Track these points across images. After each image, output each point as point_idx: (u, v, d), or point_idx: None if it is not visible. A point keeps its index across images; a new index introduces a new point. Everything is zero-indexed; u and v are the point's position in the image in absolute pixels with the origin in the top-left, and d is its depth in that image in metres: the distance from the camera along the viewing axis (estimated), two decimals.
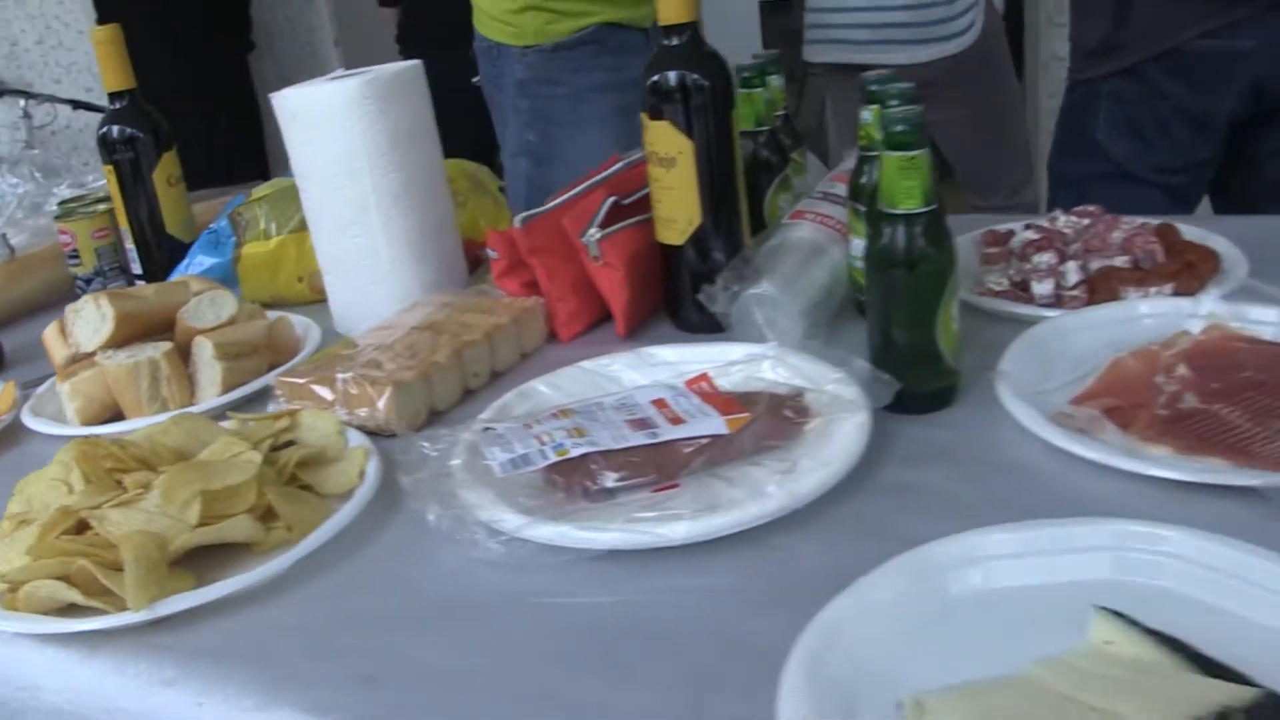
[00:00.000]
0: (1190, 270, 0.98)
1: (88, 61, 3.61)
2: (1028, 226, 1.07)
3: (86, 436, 0.92)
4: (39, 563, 0.76)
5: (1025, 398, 0.79)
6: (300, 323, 1.22)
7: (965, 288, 1.01)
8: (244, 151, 3.38)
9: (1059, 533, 0.64)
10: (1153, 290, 0.95)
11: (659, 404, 0.82)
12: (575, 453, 0.76)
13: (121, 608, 0.72)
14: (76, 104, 3.69)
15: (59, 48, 3.68)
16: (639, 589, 0.69)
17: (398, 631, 0.69)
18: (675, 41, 0.99)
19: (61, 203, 1.53)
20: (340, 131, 1.13)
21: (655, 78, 0.98)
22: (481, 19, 1.78)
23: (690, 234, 1.02)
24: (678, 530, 0.69)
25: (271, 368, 1.12)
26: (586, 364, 0.96)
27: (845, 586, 0.62)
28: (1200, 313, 0.89)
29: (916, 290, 0.81)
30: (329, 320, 1.23)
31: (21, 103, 4.33)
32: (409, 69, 1.17)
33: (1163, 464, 0.71)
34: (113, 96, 1.35)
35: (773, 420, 0.79)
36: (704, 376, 0.86)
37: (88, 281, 1.45)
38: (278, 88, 1.17)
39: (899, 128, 0.78)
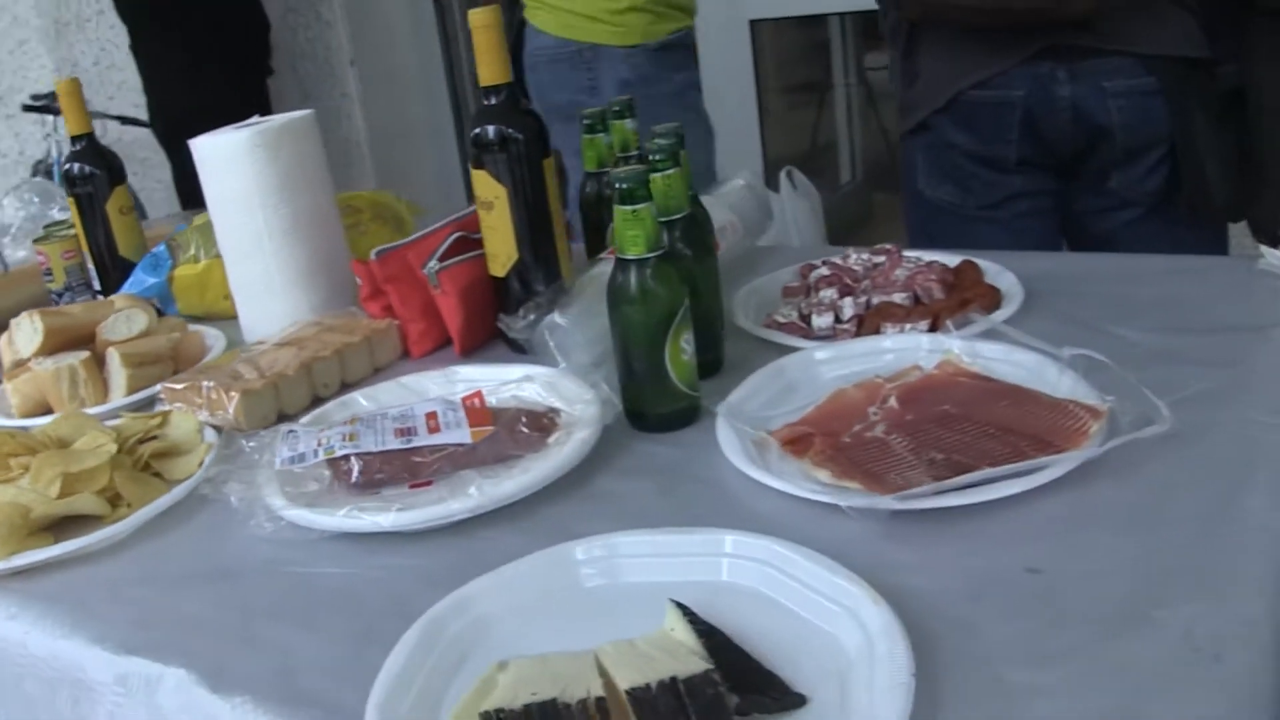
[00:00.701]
0: (963, 307, 1.11)
1: (135, 81, 3.89)
2: (824, 263, 1.22)
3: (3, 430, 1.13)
4: None
5: (743, 421, 0.94)
6: (213, 336, 1.41)
7: (758, 318, 1.16)
8: None
9: (685, 539, 0.79)
10: (908, 326, 1.07)
11: (430, 416, 0.99)
12: (340, 453, 0.94)
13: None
14: (125, 120, 4.01)
15: (111, 68, 3.97)
16: (358, 565, 0.86)
17: (177, 588, 0.88)
18: (494, 100, 1.15)
19: (46, 226, 1.75)
20: (237, 174, 1.32)
21: (476, 131, 1.15)
22: (571, 22, 1.88)
23: (510, 267, 1.19)
24: (386, 519, 0.85)
25: (176, 373, 1.31)
26: (405, 379, 1.13)
27: None
28: (939, 349, 1.01)
29: (645, 325, 0.96)
30: (240, 334, 1.42)
31: None
32: (300, 119, 1.35)
33: (791, 483, 0.83)
34: (74, 139, 1.57)
35: (510, 433, 0.95)
36: (478, 394, 1.02)
37: (59, 295, 1.67)
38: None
39: (624, 185, 0.93)
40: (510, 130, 1.15)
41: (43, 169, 5.13)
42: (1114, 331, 1.04)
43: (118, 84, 3.96)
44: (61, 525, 0.98)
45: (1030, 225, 1.56)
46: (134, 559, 0.93)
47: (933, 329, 1.07)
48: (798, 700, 0.63)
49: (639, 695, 0.63)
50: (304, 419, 1.08)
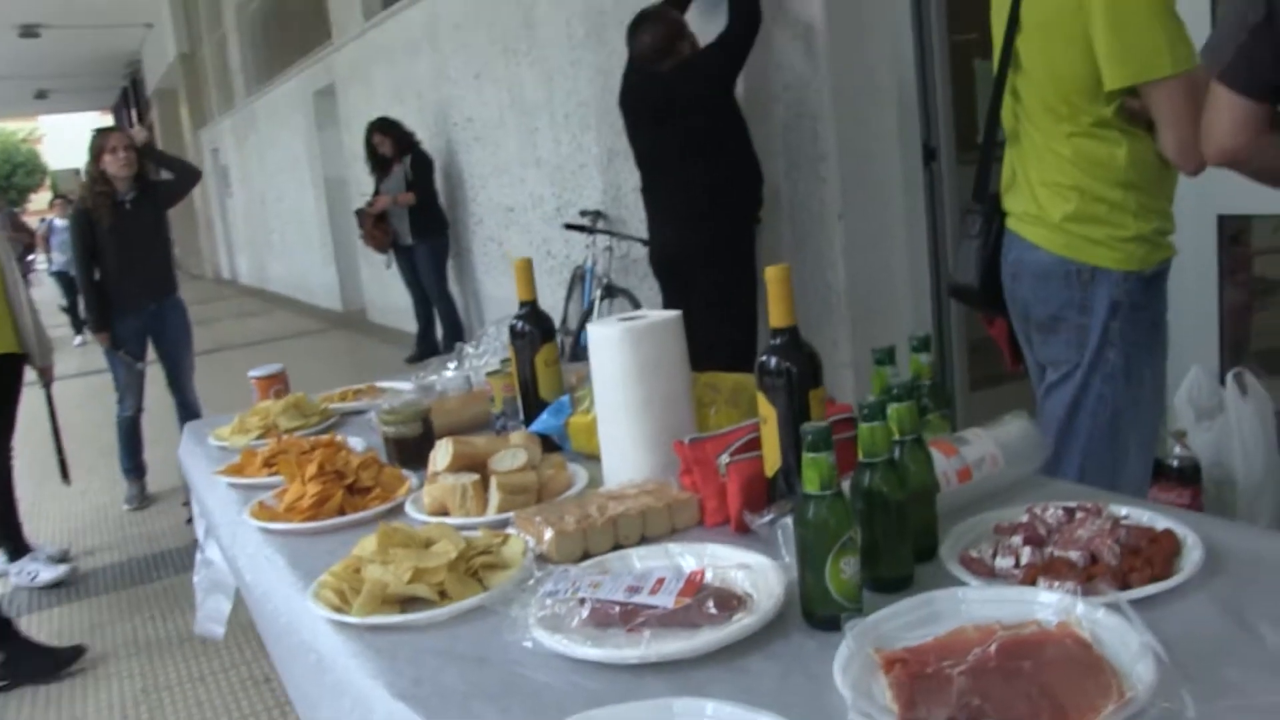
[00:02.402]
0: (1126, 574, 1.29)
1: None
2: (1027, 510, 1.45)
3: (406, 524, 1.67)
4: (333, 581, 1.50)
5: (873, 639, 1.22)
6: (581, 475, 1.90)
7: (957, 550, 1.42)
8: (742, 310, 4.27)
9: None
10: (1057, 584, 1.29)
11: (659, 580, 1.37)
12: (581, 595, 1.35)
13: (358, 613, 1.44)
14: (643, 242, 4.84)
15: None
16: (556, 675, 1.26)
17: (452, 664, 1.32)
18: (779, 341, 1.52)
19: (502, 361, 2.36)
20: (611, 357, 1.80)
21: (761, 359, 1.53)
22: (1075, 243, 2.14)
23: (776, 470, 1.54)
24: (576, 649, 1.25)
25: (539, 501, 1.80)
26: (672, 545, 1.53)
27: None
28: (1064, 610, 1.20)
29: (812, 545, 1.27)
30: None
31: (610, 239, 5.68)
32: (667, 320, 1.80)
33: (859, 693, 1.11)
34: (521, 304, 2.14)
35: (700, 608, 1.31)
36: (701, 570, 1.39)
37: (498, 417, 2.25)
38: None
39: (810, 436, 1.27)
40: (787, 364, 1.52)
41: (579, 274, 6.17)
42: (1258, 628, 1.17)
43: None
44: (411, 602, 1.48)
45: None
46: (441, 636, 1.40)
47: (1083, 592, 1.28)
48: None
49: None
50: (586, 563, 1.51)
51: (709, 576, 1.39)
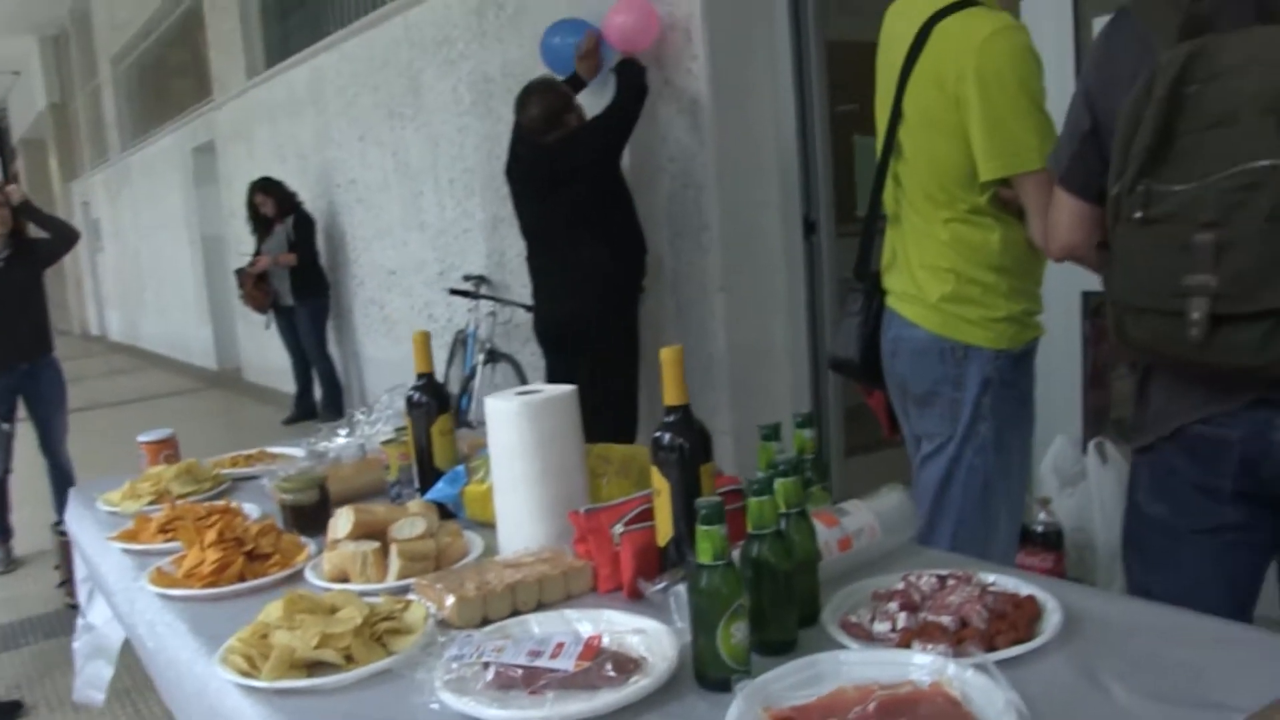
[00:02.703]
0: (994, 637, 1.42)
1: None
2: (903, 577, 1.57)
3: (309, 590, 1.72)
4: (241, 646, 1.55)
5: (761, 699, 1.31)
6: (477, 543, 1.97)
7: (838, 615, 1.54)
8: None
9: None
10: (930, 647, 1.41)
11: (559, 644, 1.45)
12: (485, 659, 1.42)
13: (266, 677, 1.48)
14: (527, 308, 4.92)
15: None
16: None
17: None
18: (672, 418, 1.63)
19: (397, 429, 2.42)
20: (509, 430, 1.88)
21: (655, 435, 1.63)
22: (951, 322, 2.30)
23: (668, 540, 1.64)
24: (477, 710, 1.32)
25: (437, 569, 1.87)
26: (569, 612, 1.61)
27: None
28: (937, 671, 1.32)
29: (704, 611, 1.37)
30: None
31: (493, 305, 5.74)
32: (561, 395, 1.90)
33: None
34: (419, 375, 2.22)
35: (599, 671, 1.39)
36: (599, 635, 1.47)
37: (393, 485, 2.31)
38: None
39: (704, 510, 1.37)
40: (680, 440, 1.62)
41: (461, 339, 6.22)
42: (1109, 687, 1.31)
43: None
44: (318, 666, 1.53)
45: (1237, 555, 1.80)
46: (348, 700, 1.45)
47: (954, 654, 1.40)
48: None
49: None
50: (487, 629, 1.58)
51: (606, 641, 1.48)
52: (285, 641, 1.53)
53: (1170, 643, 1.41)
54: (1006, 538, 2.40)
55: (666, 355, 1.63)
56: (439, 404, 2.22)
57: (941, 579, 1.56)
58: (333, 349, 8.53)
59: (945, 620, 1.46)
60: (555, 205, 4.43)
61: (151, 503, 2.51)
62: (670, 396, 1.64)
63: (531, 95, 4.42)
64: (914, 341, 2.36)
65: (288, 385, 9.01)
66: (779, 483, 1.51)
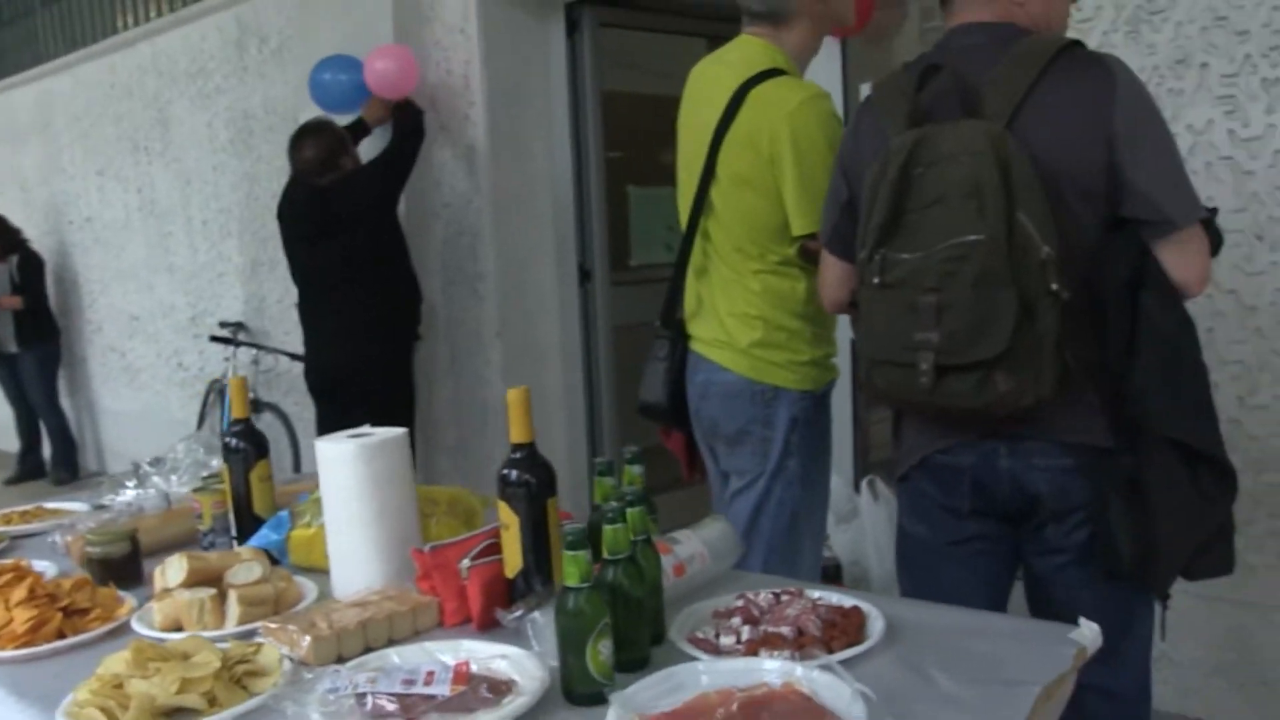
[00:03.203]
0: (829, 642, 1.61)
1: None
2: (740, 595, 1.74)
3: (149, 640, 1.73)
4: (93, 699, 1.55)
5: (631, 708, 1.44)
6: (310, 588, 2.01)
7: (683, 632, 1.68)
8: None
9: None
10: (776, 653, 1.58)
11: (430, 673, 1.53)
12: (360, 690, 1.49)
13: None
14: (294, 356, 4.87)
15: (293, 307, 4.79)
16: None
17: None
18: (519, 455, 1.75)
19: (204, 477, 2.42)
20: (343, 472, 1.94)
21: (503, 472, 1.74)
22: (760, 366, 2.52)
23: (517, 572, 1.75)
24: None
25: (276, 613, 1.90)
26: (429, 644, 1.69)
27: None
28: (787, 673, 1.50)
29: (572, 631, 1.49)
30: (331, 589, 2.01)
31: (254, 353, 5.65)
32: (395, 437, 1.98)
33: None
34: (234, 421, 2.24)
35: (475, 694, 1.49)
36: (466, 662, 1.57)
37: (205, 535, 2.31)
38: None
39: (570, 537, 1.49)
40: (527, 476, 1.74)
41: (217, 387, 6.07)
42: (934, 676, 1.52)
43: (294, 321, 4.80)
44: (175, 713, 1.56)
45: (985, 562, 2.10)
46: None
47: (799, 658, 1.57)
48: None
49: None
50: (351, 663, 1.65)
51: (474, 667, 1.57)
52: (144, 689, 1.55)
53: (973, 637, 1.65)
54: (811, 563, 2.64)
55: (513, 396, 1.74)
56: (257, 450, 2.25)
57: (776, 595, 1.74)
58: (64, 400, 8.08)
59: (785, 630, 1.64)
60: (330, 250, 4.41)
61: None
62: (516, 435, 1.76)
63: (305, 137, 4.41)
64: (725, 385, 2.57)
65: (10, 443, 8.41)
66: (630, 512, 1.65)
